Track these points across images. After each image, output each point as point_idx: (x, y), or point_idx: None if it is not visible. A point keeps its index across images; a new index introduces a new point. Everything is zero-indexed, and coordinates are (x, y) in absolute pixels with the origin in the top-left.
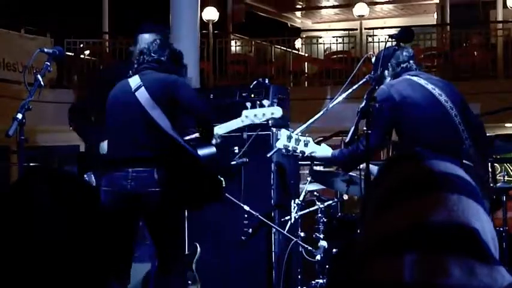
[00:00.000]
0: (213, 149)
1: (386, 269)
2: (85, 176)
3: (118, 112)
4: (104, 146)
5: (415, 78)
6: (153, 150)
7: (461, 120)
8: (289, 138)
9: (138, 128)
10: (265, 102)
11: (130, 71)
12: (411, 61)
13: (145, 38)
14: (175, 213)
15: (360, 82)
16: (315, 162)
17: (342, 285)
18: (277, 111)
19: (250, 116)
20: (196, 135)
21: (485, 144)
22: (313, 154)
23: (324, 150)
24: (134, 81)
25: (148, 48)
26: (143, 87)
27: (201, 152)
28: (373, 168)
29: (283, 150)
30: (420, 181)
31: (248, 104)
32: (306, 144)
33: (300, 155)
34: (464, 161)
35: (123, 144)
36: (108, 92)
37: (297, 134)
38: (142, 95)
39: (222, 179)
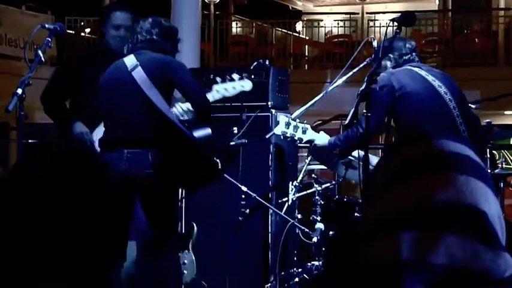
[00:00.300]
0: (208, 131)
1: (390, 247)
2: None
3: (113, 92)
4: (77, 127)
5: (416, 69)
6: (148, 131)
7: (459, 113)
8: (288, 124)
9: (134, 108)
10: (235, 76)
11: (125, 50)
12: (414, 53)
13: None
14: (170, 195)
15: (361, 65)
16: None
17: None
18: (247, 85)
19: (220, 90)
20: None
21: (481, 137)
22: (310, 141)
23: (322, 138)
24: (130, 60)
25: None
26: (140, 66)
27: (196, 133)
28: (372, 158)
29: (281, 137)
30: (430, 160)
31: (218, 79)
32: (304, 131)
33: (298, 141)
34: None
35: (118, 125)
36: (76, 79)
37: (295, 121)
38: (139, 74)
39: (217, 160)
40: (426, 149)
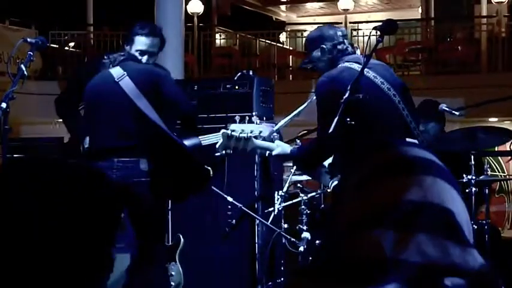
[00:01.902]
0: (198, 140)
1: (364, 247)
2: None
3: (101, 102)
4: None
5: (355, 66)
6: (138, 139)
7: (404, 106)
8: (230, 138)
9: (123, 117)
10: (255, 118)
11: (109, 62)
12: (346, 41)
13: (142, 41)
14: (160, 204)
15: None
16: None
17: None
18: (265, 131)
19: (237, 130)
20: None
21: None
22: (257, 150)
23: (280, 147)
24: (116, 71)
25: (147, 50)
26: (127, 76)
27: (187, 142)
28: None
29: (226, 151)
30: (398, 164)
31: (237, 118)
32: (246, 142)
33: (242, 153)
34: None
35: (108, 134)
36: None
37: (237, 132)
38: (127, 84)
39: (209, 168)
40: (393, 154)
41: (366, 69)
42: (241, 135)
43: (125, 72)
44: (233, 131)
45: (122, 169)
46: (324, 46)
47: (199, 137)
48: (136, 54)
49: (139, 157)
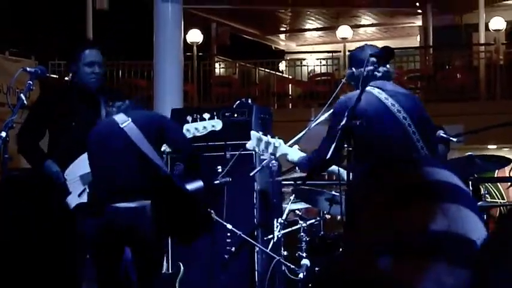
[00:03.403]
0: (200, 183)
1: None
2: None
3: (106, 149)
4: (51, 165)
5: (375, 91)
6: (143, 184)
7: (419, 137)
8: (259, 140)
9: (129, 162)
10: (206, 115)
11: (110, 110)
12: (376, 65)
13: (91, 53)
14: (162, 246)
15: (337, 89)
16: (297, 182)
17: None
18: (218, 124)
19: (191, 129)
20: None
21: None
22: (283, 156)
23: (294, 153)
24: (120, 118)
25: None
26: (132, 122)
27: (189, 186)
28: (342, 172)
29: (255, 151)
30: (420, 190)
31: (189, 118)
32: (276, 147)
33: (271, 156)
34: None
35: (113, 179)
36: (47, 117)
37: (266, 136)
38: (131, 129)
39: (211, 211)
40: (417, 177)
41: (384, 96)
42: (271, 139)
43: (129, 118)
44: (264, 135)
45: (127, 212)
46: (353, 69)
47: (186, 125)
48: (86, 68)
49: (144, 201)
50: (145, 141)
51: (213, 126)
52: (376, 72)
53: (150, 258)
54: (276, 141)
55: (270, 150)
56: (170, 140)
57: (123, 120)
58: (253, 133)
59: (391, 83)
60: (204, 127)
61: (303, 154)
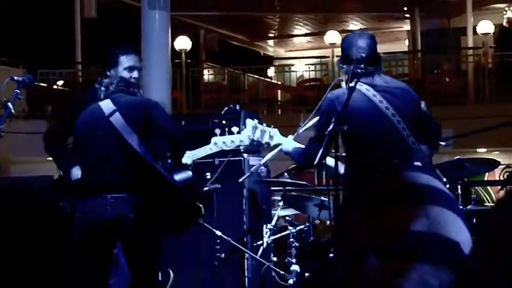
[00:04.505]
0: (189, 173)
1: (362, 272)
2: (61, 203)
3: (92, 138)
4: (74, 172)
5: (363, 88)
6: (130, 176)
7: (410, 133)
8: (255, 128)
9: (115, 154)
10: (235, 129)
11: (100, 94)
12: (365, 61)
13: (129, 58)
14: (154, 240)
15: (329, 88)
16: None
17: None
18: (245, 139)
19: (219, 143)
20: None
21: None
22: (277, 146)
23: (288, 143)
24: (106, 105)
25: (135, 66)
26: (117, 112)
27: (178, 177)
28: (330, 161)
29: (249, 140)
30: (403, 193)
31: (217, 131)
32: (271, 136)
33: (265, 145)
34: (415, 163)
35: (100, 170)
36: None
37: (262, 125)
38: (118, 120)
39: (201, 205)
40: (401, 180)
41: (372, 93)
42: (266, 128)
43: (115, 107)
44: (260, 123)
45: (114, 205)
46: (341, 64)
47: (188, 153)
48: (125, 72)
49: (131, 193)
50: (132, 132)
51: (241, 141)
52: (364, 70)
53: (141, 254)
54: (271, 130)
55: (266, 139)
56: (154, 122)
57: (109, 109)
58: (248, 121)
59: (381, 76)
60: (232, 141)
61: (298, 145)
